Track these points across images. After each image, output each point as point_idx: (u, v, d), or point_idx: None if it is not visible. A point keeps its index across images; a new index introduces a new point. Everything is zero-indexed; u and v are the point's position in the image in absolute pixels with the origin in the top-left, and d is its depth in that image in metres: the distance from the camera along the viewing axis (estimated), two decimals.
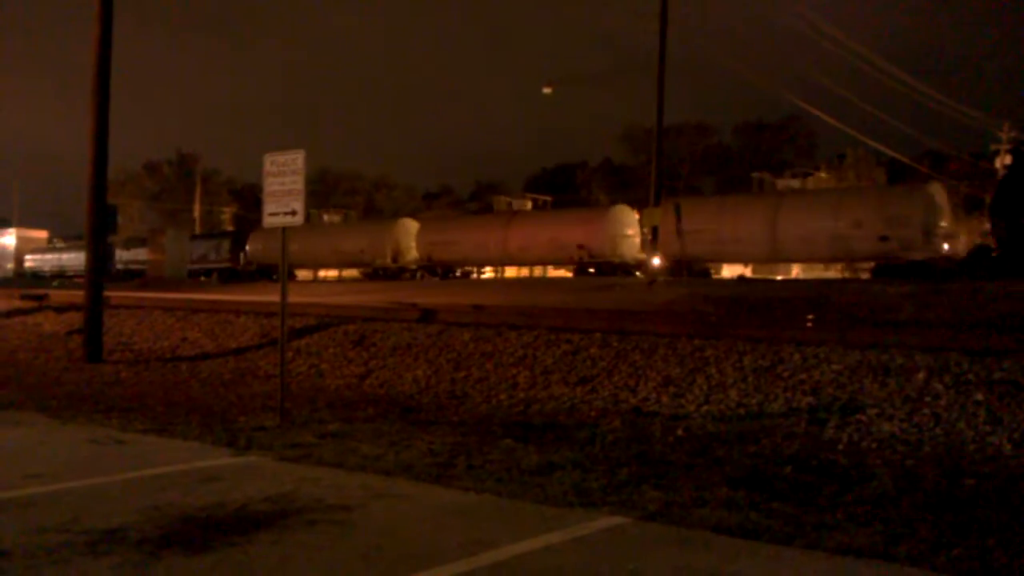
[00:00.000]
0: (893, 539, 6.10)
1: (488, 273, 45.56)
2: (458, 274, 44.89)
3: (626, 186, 73.15)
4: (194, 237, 65.05)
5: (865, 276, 33.18)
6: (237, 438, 9.83)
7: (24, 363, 17.88)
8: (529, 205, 49.75)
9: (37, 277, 70.25)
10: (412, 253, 46.07)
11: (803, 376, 11.50)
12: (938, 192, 32.20)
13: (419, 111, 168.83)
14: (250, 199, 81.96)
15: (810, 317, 15.55)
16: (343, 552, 5.84)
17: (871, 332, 12.91)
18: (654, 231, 28.30)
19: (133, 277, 54.87)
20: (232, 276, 53.38)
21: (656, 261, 31.09)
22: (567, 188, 79.30)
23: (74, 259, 68.37)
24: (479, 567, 5.53)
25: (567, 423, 10.82)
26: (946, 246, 31.20)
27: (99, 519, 6.51)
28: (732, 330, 13.88)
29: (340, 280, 51.08)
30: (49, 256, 77.49)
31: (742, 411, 10.91)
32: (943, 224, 31.23)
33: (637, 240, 38.71)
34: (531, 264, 44.42)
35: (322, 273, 53.83)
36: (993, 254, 29.74)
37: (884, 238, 30.52)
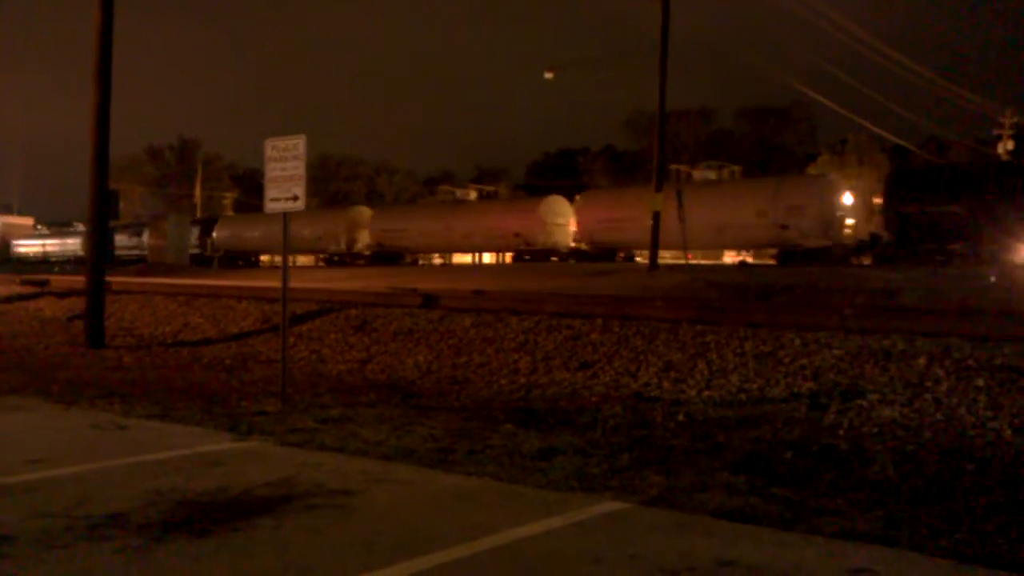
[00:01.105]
0: (893, 524, 6.11)
1: (436, 260, 49.18)
2: (408, 260, 47.74)
3: (628, 172, 73.08)
4: (139, 225, 65.50)
5: (770, 262, 35.62)
6: (239, 423, 9.84)
7: (26, 348, 17.89)
8: (474, 195, 52.14)
9: (21, 263, 70.73)
10: (365, 240, 48.21)
11: (804, 361, 11.51)
12: (837, 183, 34.49)
13: (421, 96, 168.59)
14: (251, 184, 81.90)
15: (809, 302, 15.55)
16: (344, 537, 5.86)
17: (872, 317, 12.91)
18: (656, 217, 28.27)
19: (125, 264, 55.13)
20: (201, 262, 55.97)
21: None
22: (569, 174, 79.22)
23: (57, 245, 71.47)
24: (480, 551, 5.55)
25: (568, 408, 10.83)
26: (847, 233, 33.24)
27: (101, 504, 6.53)
28: (733, 315, 13.89)
29: (295, 266, 52.42)
30: (34, 242, 78.64)
31: (743, 396, 10.92)
32: (840, 213, 33.27)
33: (569, 228, 41.39)
34: (473, 251, 47.45)
35: (277, 258, 55.32)
36: (884, 241, 32.15)
37: (784, 227, 32.99)
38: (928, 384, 10.28)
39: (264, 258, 56.01)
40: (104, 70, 17.97)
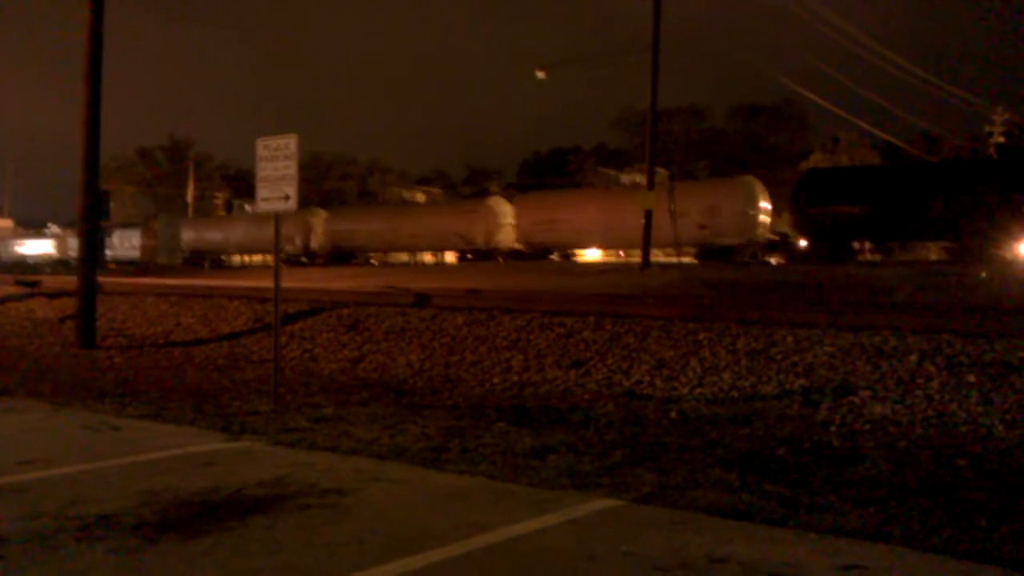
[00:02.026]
0: (886, 520, 6.13)
1: (396, 257, 50.32)
2: (361, 260, 49.12)
3: (620, 170, 73.05)
4: (131, 226, 65.51)
5: (689, 260, 37.39)
6: (231, 423, 9.83)
7: (17, 349, 17.85)
8: (421, 197, 53.77)
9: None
10: (320, 241, 49.96)
11: (796, 358, 11.54)
12: (753, 185, 36.23)
13: (414, 96, 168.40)
14: (243, 184, 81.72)
15: (802, 299, 15.59)
16: (338, 536, 5.85)
17: (865, 314, 12.94)
18: (648, 215, 28.34)
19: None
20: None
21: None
22: (561, 173, 79.20)
23: (32, 247, 72.70)
24: (474, 550, 5.55)
25: (561, 406, 10.84)
26: (760, 232, 35.50)
27: (94, 504, 6.52)
28: (725, 313, 13.91)
29: (255, 266, 54.18)
30: (10, 244, 78.53)
31: (735, 394, 10.94)
32: (752, 212, 35.29)
33: (510, 229, 43.11)
34: (420, 250, 49.15)
35: (246, 258, 57.82)
36: (792, 241, 34.55)
37: (703, 226, 34.92)
38: (920, 380, 10.31)
39: (223, 258, 58.30)
40: (94, 69, 17.93)
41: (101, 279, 20.59)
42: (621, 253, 40.68)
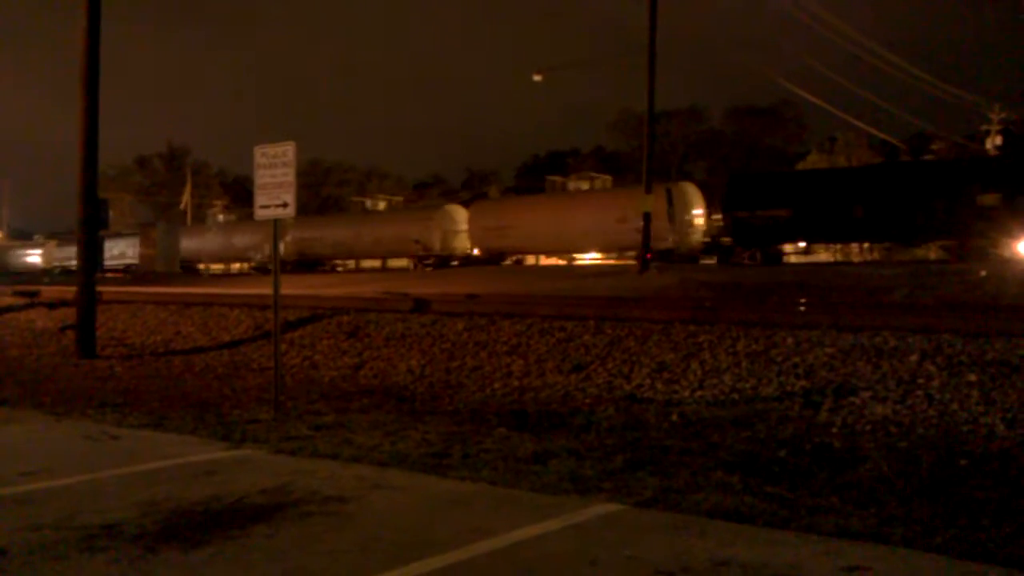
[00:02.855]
0: (887, 521, 6.12)
1: (352, 264, 52.46)
2: (328, 267, 51.16)
3: (618, 172, 73.10)
4: (110, 236, 65.92)
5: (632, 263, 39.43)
6: (232, 431, 9.82)
7: (17, 359, 17.84)
8: (383, 205, 55.54)
9: None
10: (287, 248, 51.62)
11: (796, 360, 11.53)
12: (687, 190, 38.31)
13: (412, 100, 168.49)
14: (241, 192, 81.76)
15: (802, 300, 15.60)
16: (340, 543, 5.85)
17: (865, 314, 12.95)
18: (647, 218, 28.38)
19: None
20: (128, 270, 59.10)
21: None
22: (560, 175, 79.15)
23: (15, 256, 73.89)
24: (476, 555, 5.55)
25: (561, 411, 10.83)
26: (695, 236, 37.44)
27: (95, 515, 6.51)
28: (725, 315, 13.91)
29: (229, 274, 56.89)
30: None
31: (736, 396, 10.94)
32: (687, 217, 37.34)
33: (466, 235, 44.95)
34: (381, 256, 50.66)
35: (216, 266, 60.11)
36: (723, 243, 36.08)
37: (639, 231, 34.59)
38: (920, 380, 10.31)
39: (201, 266, 60.29)
40: (92, 78, 17.95)
41: (99, 288, 20.56)
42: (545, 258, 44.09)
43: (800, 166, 63.26)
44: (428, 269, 44.52)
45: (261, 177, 11.45)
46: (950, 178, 32.21)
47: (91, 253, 18.73)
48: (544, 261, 45.90)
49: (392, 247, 48.16)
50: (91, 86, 17.96)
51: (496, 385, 12.68)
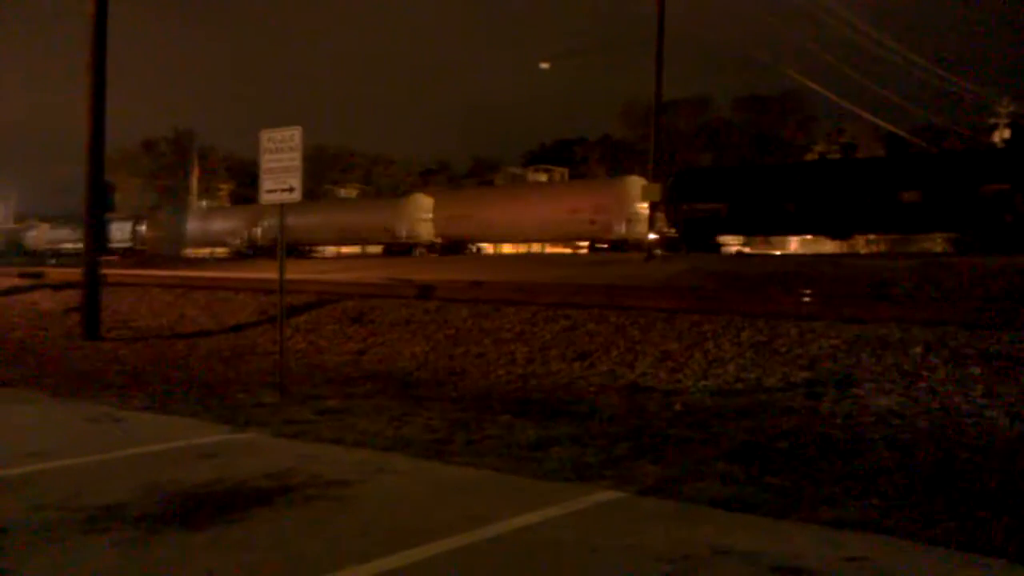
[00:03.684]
0: (888, 512, 6.13)
1: (331, 251, 54.00)
2: (306, 252, 52.29)
3: (625, 161, 73.00)
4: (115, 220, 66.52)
5: (583, 252, 41.33)
6: (236, 415, 9.85)
7: (22, 341, 17.89)
8: (355, 193, 57.62)
9: None
10: (266, 234, 53.74)
11: (800, 351, 11.53)
12: (637, 184, 38.40)
13: (418, 87, 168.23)
14: (247, 175, 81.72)
15: (807, 291, 15.58)
16: (342, 527, 5.87)
17: (867, 305, 12.94)
18: (653, 207, 28.36)
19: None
20: (131, 255, 59.96)
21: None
22: (567, 164, 79.08)
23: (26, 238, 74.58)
24: (478, 541, 5.56)
25: (565, 398, 10.84)
26: (643, 227, 36.46)
27: (98, 496, 6.54)
28: (729, 305, 13.90)
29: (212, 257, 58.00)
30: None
31: (740, 386, 10.93)
32: (636, 210, 37.85)
33: (431, 223, 46.05)
34: (352, 244, 52.42)
35: (198, 251, 60.93)
36: (668, 234, 36.94)
37: (592, 222, 38.89)
38: (923, 373, 10.30)
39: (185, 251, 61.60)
40: (98, 62, 17.94)
41: (104, 271, 20.59)
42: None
43: (807, 156, 63.11)
44: (429, 253, 45.39)
45: (267, 162, 11.46)
46: (876, 175, 33.42)
47: (96, 236, 18.76)
48: (507, 249, 48.15)
49: (362, 234, 49.81)
50: (98, 71, 17.94)
51: (500, 372, 12.69)
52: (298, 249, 52.44)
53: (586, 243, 41.33)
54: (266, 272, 23.83)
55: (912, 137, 55.22)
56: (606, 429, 9.00)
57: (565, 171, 49.39)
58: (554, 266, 26.74)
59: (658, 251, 36.14)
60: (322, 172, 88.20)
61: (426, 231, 46.46)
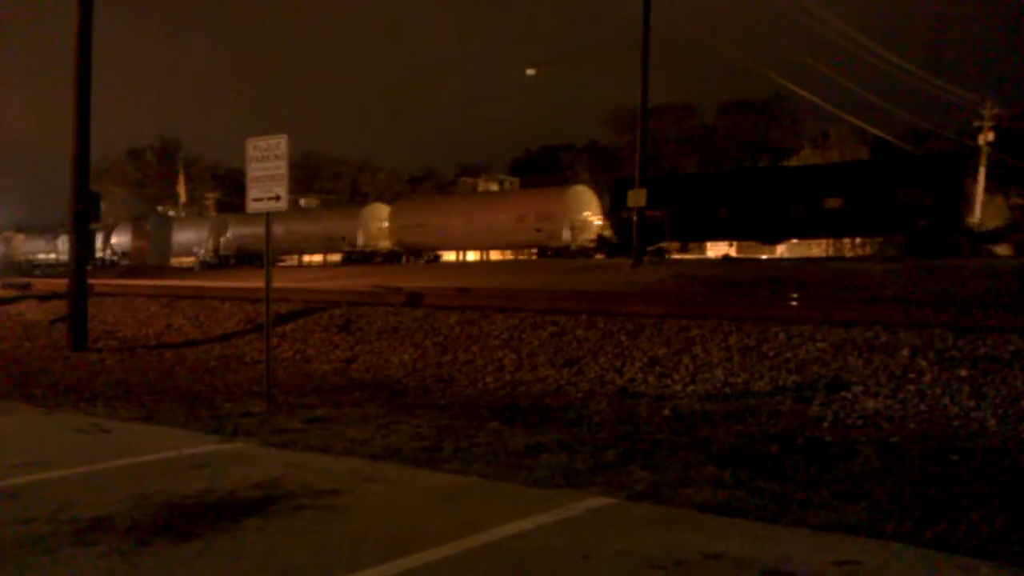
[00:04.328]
0: (879, 515, 6.14)
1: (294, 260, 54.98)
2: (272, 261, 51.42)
3: (612, 167, 73.09)
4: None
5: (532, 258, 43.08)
6: (224, 425, 9.80)
7: (8, 352, 17.78)
8: (316, 202, 58.61)
9: None
10: (229, 244, 55.10)
11: (788, 355, 11.55)
12: (581, 193, 42.03)
13: (404, 94, 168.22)
14: (234, 184, 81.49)
15: (794, 295, 15.63)
16: (331, 536, 5.84)
17: (856, 309, 12.98)
18: (639, 212, 28.39)
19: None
20: (102, 265, 60.62)
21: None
22: (553, 170, 79.13)
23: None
24: (468, 549, 5.54)
25: (554, 405, 10.84)
26: (586, 235, 40.11)
27: (86, 508, 6.49)
28: (717, 309, 13.93)
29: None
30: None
31: (728, 390, 10.95)
32: (581, 218, 40.29)
33: (386, 231, 47.88)
34: (314, 252, 53.32)
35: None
36: (611, 240, 38.96)
37: (538, 229, 40.54)
38: (911, 375, 10.34)
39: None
40: (83, 70, 17.88)
41: (91, 280, 20.50)
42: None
43: (794, 161, 63.35)
44: (415, 261, 46.12)
45: (253, 170, 11.43)
46: (802, 184, 35.49)
47: (83, 246, 18.68)
48: (469, 257, 49.03)
49: (322, 243, 50.79)
50: (83, 80, 17.88)
51: (488, 379, 12.68)
52: (262, 259, 53.00)
53: (535, 250, 42.89)
54: (252, 281, 23.80)
55: (897, 140, 55.47)
56: (595, 435, 9.00)
57: (516, 181, 51.22)
58: (539, 272, 26.73)
59: (599, 256, 38.16)
60: (309, 180, 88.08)
61: (384, 240, 47.89)
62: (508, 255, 48.71)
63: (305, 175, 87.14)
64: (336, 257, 51.41)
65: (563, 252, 39.36)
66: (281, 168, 11.21)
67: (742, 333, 12.53)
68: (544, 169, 77.58)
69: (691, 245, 39.31)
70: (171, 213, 66.13)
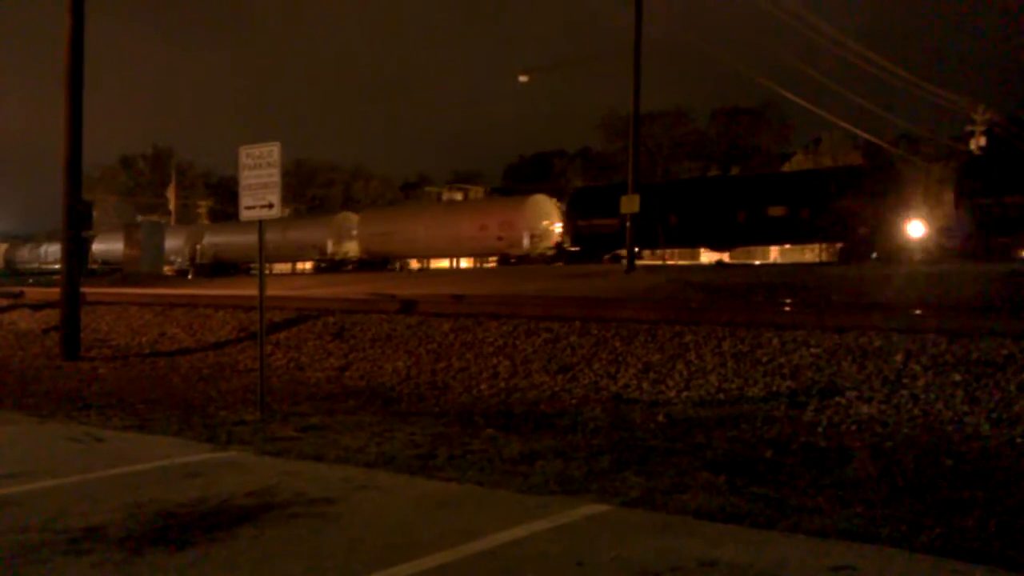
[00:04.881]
0: (874, 520, 6.14)
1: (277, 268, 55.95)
2: (243, 270, 54.22)
3: (604, 173, 73.20)
4: (52, 240, 66.15)
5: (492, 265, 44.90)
6: (217, 433, 9.78)
7: (0, 361, 17.73)
8: (288, 211, 60.73)
9: None
10: (205, 253, 56.96)
11: (782, 360, 11.56)
12: (541, 202, 43.03)
13: (399, 101, 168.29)
14: (226, 192, 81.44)
15: (787, 301, 15.65)
16: (326, 545, 5.83)
17: (849, 314, 13.00)
18: (633, 219, 28.43)
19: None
20: (90, 273, 61.15)
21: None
22: (546, 176, 79.24)
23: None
24: (463, 557, 5.54)
25: (548, 412, 10.83)
26: (545, 244, 41.59)
27: (79, 517, 6.47)
28: (711, 315, 13.94)
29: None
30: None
31: (722, 396, 10.96)
32: (541, 227, 41.64)
33: (355, 240, 49.03)
34: (286, 261, 54.65)
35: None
36: (568, 248, 41.01)
37: (500, 238, 42.02)
38: (905, 380, 10.35)
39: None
40: (75, 78, 17.85)
41: (84, 289, 20.44)
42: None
43: (786, 167, 63.51)
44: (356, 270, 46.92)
45: (246, 178, 11.42)
46: (748, 193, 36.73)
47: (76, 254, 18.63)
48: (435, 264, 51.64)
49: (293, 251, 51.55)
50: (75, 87, 17.85)
51: (483, 386, 12.67)
52: (237, 267, 54.44)
53: (496, 258, 44.62)
54: (245, 289, 23.75)
55: (889, 145, 55.64)
56: (590, 441, 9.00)
57: (480, 190, 53.56)
58: (533, 279, 26.71)
59: (559, 264, 39.40)
60: (303, 187, 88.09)
61: (353, 248, 49.08)
62: (471, 263, 50.70)
63: (298, 183, 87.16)
64: (307, 266, 52.39)
65: (524, 259, 40.77)
66: (274, 176, 11.20)
67: (736, 339, 12.54)
68: (537, 176, 77.67)
69: (644, 252, 40.09)
70: (141, 220, 66.68)
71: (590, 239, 39.30)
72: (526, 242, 41.06)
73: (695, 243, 38.67)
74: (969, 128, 51.04)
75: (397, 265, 48.40)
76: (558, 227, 42.00)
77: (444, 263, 53.79)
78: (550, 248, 41.39)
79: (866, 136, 54.90)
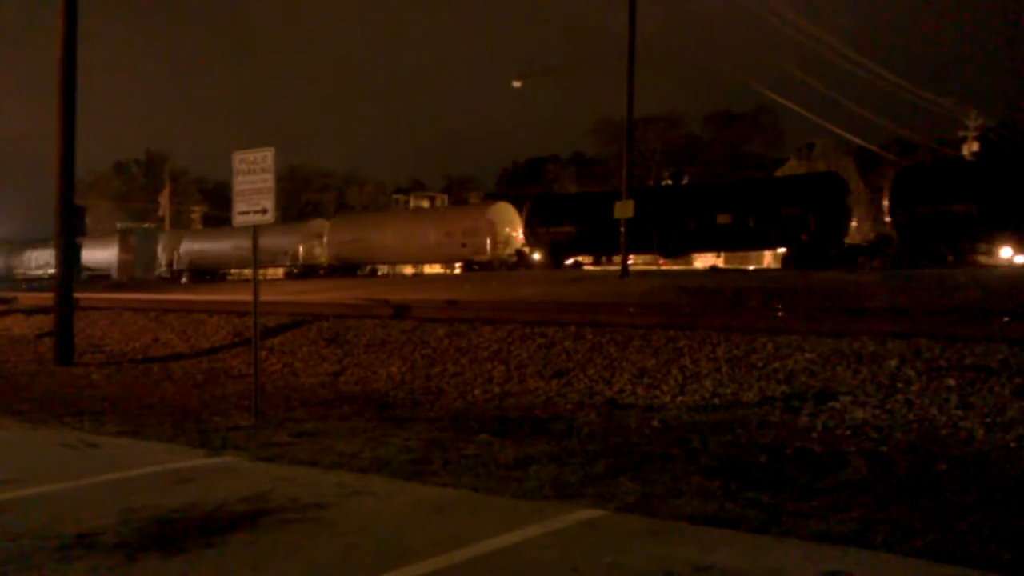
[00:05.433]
0: (868, 525, 6.14)
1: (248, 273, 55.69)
2: (219, 276, 55.37)
3: (598, 178, 73.28)
4: (36, 245, 65.50)
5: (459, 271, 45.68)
6: (211, 439, 9.76)
7: None
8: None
9: None
10: (182, 259, 56.90)
11: (776, 365, 11.57)
12: (503, 209, 43.89)
13: (392, 106, 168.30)
14: (220, 198, 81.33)
15: (780, 306, 15.66)
16: (320, 551, 5.82)
17: (842, 319, 13.01)
18: (626, 224, 28.45)
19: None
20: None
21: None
22: (539, 181, 79.29)
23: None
24: (457, 563, 5.53)
25: (543, 417, 10.82)
26: (508, 250, 42.49)
27: (73, 523, 6.45)
28: (705, 320, 13.95)
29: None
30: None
31: (717, 401, 10.96)
32: (504, 234, 42.37)
33: (325, 247, 49.46)
34: (259, 267, 52.28)
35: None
36: (528, 255, 41.84)
37: (464, 245, 42.92)
38: (900, 385, 10.36)
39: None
40: (68, 82, 17.83)
41: (77, 294, 20.40)
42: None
43: (779, 172, 63.63)
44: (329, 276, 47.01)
45: (240, 184, 11.41)
46: (697, 201, 37.85)
47: (69, 260, 18.60)
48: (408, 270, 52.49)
49: (267, 259, 50.69)
50: (68, 92, 17.83)
51: (477, 391, 12.66)
52: (213, 273, 55.17)
53: (461, 264, 45.21)
54: (239, 294, 23.73)
55: (882, 151, 55.80)
56: (585, 447, 8.99)
57: (445, 198, 54.71)
58: (526, 284, 26.71)
59: (521, 270, 40.05)
60: (296, 192, 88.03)
61: (322, 254, 49.60)
62: (439, 268, 51.37)
63: (292, 188, 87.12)
64: (279, 272, 52.82)
65: (486, 266, 41.70)
66: (268, 181, 11.20)
67: (730, 344, 12.55)
68: (530, 181, 77.72)
69: (602, 259, 41.30)
70: (119, 225, 66.87)
71: (550, 246, 40.42)
72: (489, 249, 41.98)
73: (647, 250, 39.23)
74: (962, 133, 51.25)
75: (367, 270, 49.12)
76: (518, 234, 42.87)
77: (410, 269, 54.96)
78: (512, 255, 42.33)
79: (858, 141, 55.13)
